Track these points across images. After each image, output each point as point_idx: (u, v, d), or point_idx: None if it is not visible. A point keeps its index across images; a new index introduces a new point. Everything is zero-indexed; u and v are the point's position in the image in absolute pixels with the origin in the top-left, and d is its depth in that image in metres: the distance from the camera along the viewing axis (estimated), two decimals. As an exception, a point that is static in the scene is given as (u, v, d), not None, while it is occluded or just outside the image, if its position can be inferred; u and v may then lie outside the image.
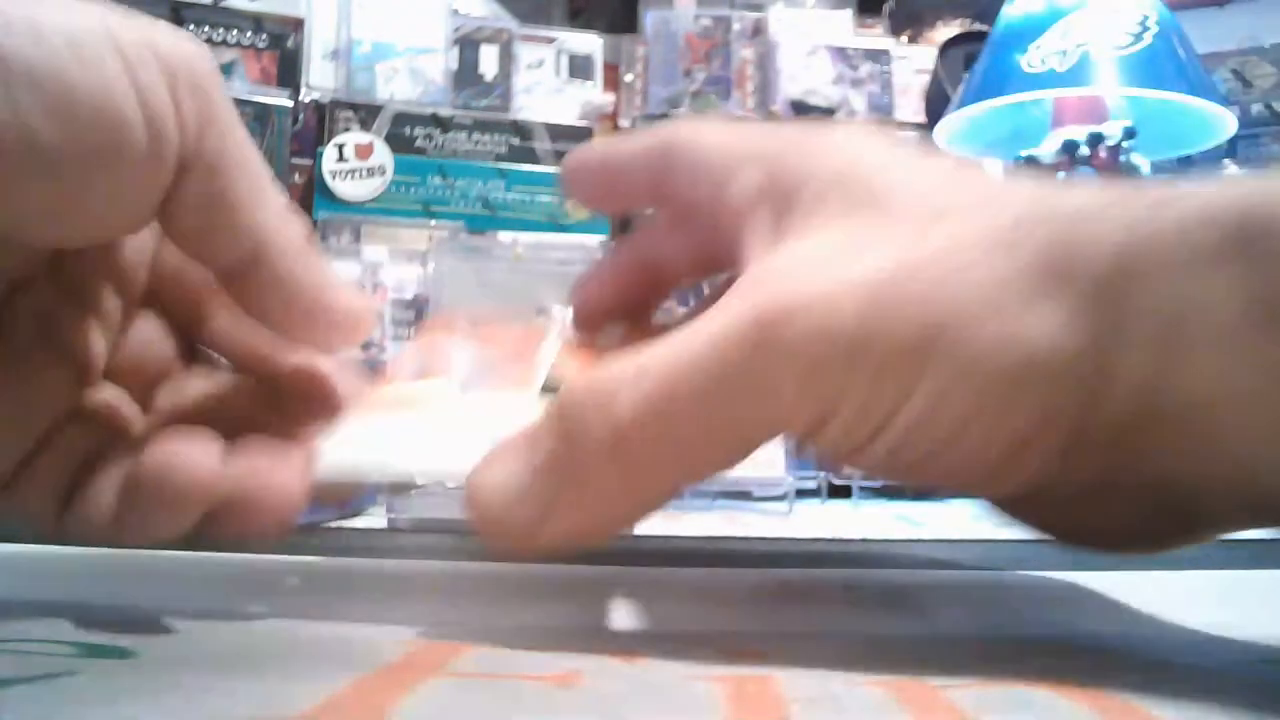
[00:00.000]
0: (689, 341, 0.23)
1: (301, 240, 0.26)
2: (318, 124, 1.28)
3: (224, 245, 0.25)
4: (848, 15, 1.52)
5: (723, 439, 0.23)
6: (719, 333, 0.22)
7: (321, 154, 1.24)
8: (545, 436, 0.24)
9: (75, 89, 0.21)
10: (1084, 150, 1.15)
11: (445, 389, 0.30)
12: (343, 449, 0.27)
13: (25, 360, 0.25)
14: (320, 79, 1.32)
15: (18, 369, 0.25)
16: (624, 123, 1.45)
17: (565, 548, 0.24)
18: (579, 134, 1.36)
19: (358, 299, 0.28)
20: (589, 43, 1.46)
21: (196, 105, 0.23)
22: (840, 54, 1.48)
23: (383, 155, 1.26)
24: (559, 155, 0.37)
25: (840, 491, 0.68)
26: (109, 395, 0.28)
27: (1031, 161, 1.19)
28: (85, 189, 0.22)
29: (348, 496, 0.29)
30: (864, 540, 0.47)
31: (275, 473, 0.26)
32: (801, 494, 0.65)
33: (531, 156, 1.33)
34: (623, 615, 0.31)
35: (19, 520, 0.26)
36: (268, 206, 0.25)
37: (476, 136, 1.31)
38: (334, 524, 0.38)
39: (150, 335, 0.29)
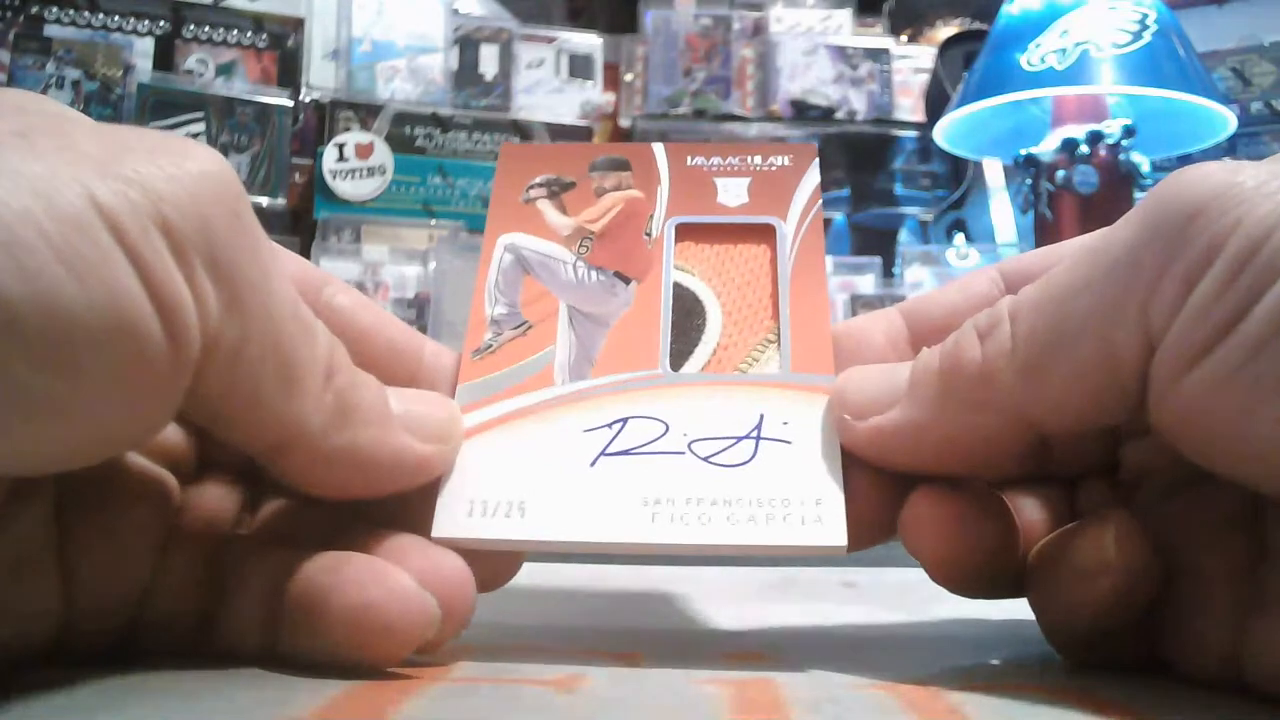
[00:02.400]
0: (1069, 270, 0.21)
1: (346, 397, 0.21)
2: (318, 124, 1.29)
3: (245, 436, 0.21)
4: (847, 15, 1.52)
5: (1092, 361, 0.20)
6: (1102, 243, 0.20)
7: (322, 154, 1.24)
8: (924, 355, 0.23)
9: (76, 324, 0.16)
10: (1084, 149, 1.15)
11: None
12: (479, 522, 0.24)
13: (110, 503, 0.22)
14: (320, 79, 1.32)
15: (103, 511, 0.22)
16: (624, 122, 1.45)
17: (903, 458, 0.23)
18: (579, 133, 1.36)
19: (420, 445, 0.23)
20: (589, 42, 1.46)
21: (216, 283, 0.19)
22: (840, 53, 1.48)
23: (383, 155, 1.26)
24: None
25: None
26: (208, 495, 0.25)
27: (1031, 160, 1.19)
28: (92, 423, 0.18)
29: (506, 572, 0.25)
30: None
31: (457, 583, 0.22)
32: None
33: (531, 156, 1.32)
34: (624, 616, 0.31)
35: (161, 642, 0.22)
36: (302, 389, 0.20)
37: (477, 136, 1.31)
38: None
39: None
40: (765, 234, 0.29)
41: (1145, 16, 1.12)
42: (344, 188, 1.25)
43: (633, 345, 0.27)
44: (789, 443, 0.24)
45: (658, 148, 0.31)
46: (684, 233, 0.30)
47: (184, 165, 0.19)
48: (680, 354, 0.27)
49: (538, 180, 0.31)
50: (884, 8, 1.57)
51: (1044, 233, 1.20)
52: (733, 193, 0.30)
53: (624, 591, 0.35)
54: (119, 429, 0.18)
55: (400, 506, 0.23)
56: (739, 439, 0.25)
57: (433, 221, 1.26)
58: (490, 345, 0.27)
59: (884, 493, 0.23)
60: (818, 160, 0.31)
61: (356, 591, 0.20)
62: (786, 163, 0.31)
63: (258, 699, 0.19)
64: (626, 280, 0.28)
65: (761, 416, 0.25)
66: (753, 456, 0.24)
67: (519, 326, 0.28)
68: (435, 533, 0.23)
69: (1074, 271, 0.21)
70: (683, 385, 0.26)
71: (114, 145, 0.18)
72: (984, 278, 0.27)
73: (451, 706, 0.19)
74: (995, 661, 0.25)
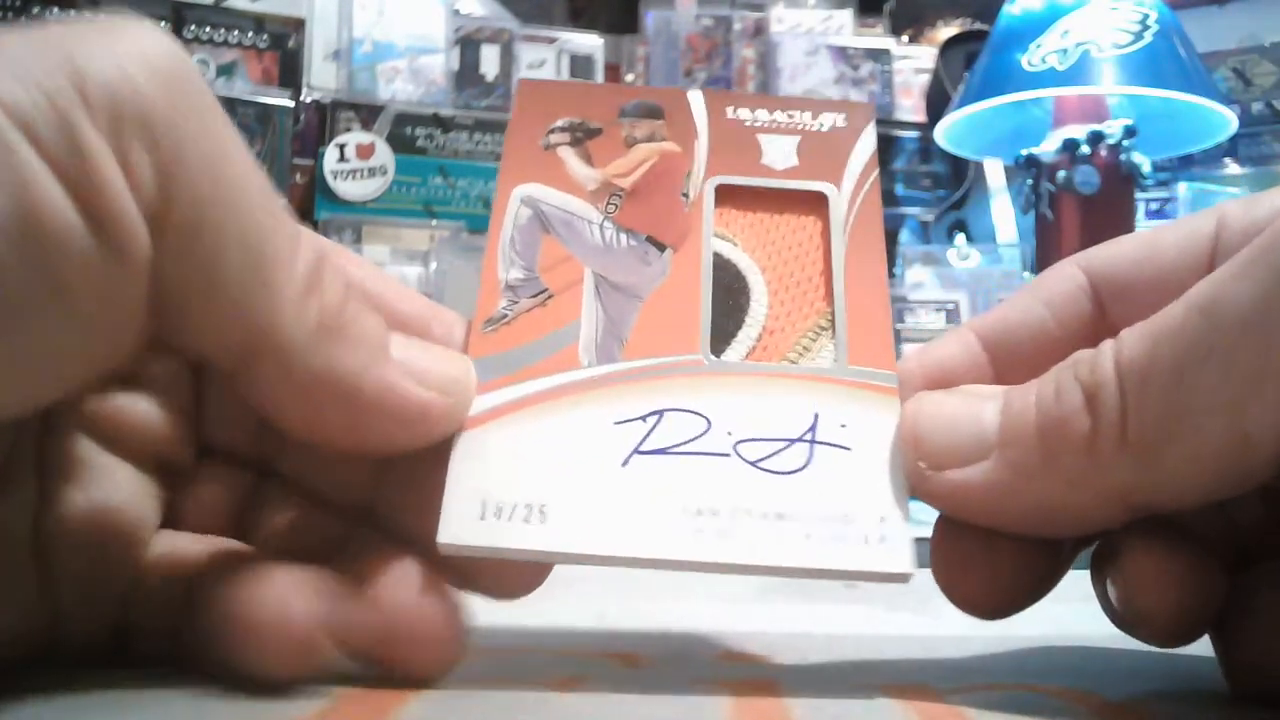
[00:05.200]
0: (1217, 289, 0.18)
1: (333, 316, 0.19)
2: (319, 124, 1.29)
3: (211, 335, 0.19)
4: (848, 15, 1.52)
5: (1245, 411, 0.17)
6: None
7: (323, 154, 1.24)
8: (1018, 403, 0.20)
9: None
10: (1085, 149, 1.15)
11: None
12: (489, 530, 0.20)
13: (92, 507, 0.20)
14: (321, 79, 1.32)
15: (84, 515, 0.20)
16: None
17: (999, 518, 0.20)
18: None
19: (418, 388, 0.20)
20: (590, 43, 1.46)
21: (152, 152, 0.17)
22: (841, 53, 1.48)
23: (384, 155, 1.26)
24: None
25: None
26: (201, 500, 0.23)
27: (1032, 160, 1.19)
28: (38, 340, 0.16)
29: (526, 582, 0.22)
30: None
31: (423, 605, 0.20)
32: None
33: (532, 156, 1.32)
34: (624, 616, 0.31)
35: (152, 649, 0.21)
36: (276, 287, 0.18)
37: (478, 136, 1.31)
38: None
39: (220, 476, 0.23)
40: (815, 203, 0.26)
41: (1146, 17, 1.12)
42: (345, 188, 1.25)
43: (668, 324, 0.24)
44: (848, 449, 0.22)
45: (695, 95, 0.27)
46: (724, 196, 0.26)
47: (113, 34, 0.17)
48: (721, 337, 0.24)
49: (560, 124, 0.26)
50: (885, 8, 1.57)
51: (1045, 233, 1.20)
52: (779, 153, 0.27)
53: (624, 591, 0.35)
54: (76, 343, 0.17)
55: (412, 509, 0.22)
56: (791, 441, 0.22)
57: (434, 222, 1.26)
58: (505, 315, 0.24)
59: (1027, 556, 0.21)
60: (875, 121, 0.27)
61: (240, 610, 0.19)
62: (840, 122, 0.27)
63: (259, 701, 0.19)
64: (661, 247, 0.25)
65: (816, 416, 0.22)
66: (807, 463, 0.22)
67: (538, 295, 0.24)
68: (441, 538, 0.20)
69: (1189, 332, 0.18)
70: (726, 375, 0.23)
71: (36, 31, 0.17)
72: (1068, 283, 0.24)
73: (452, 708, 0.19)
74: (1001, 662, 0.25)
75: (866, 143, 0.27)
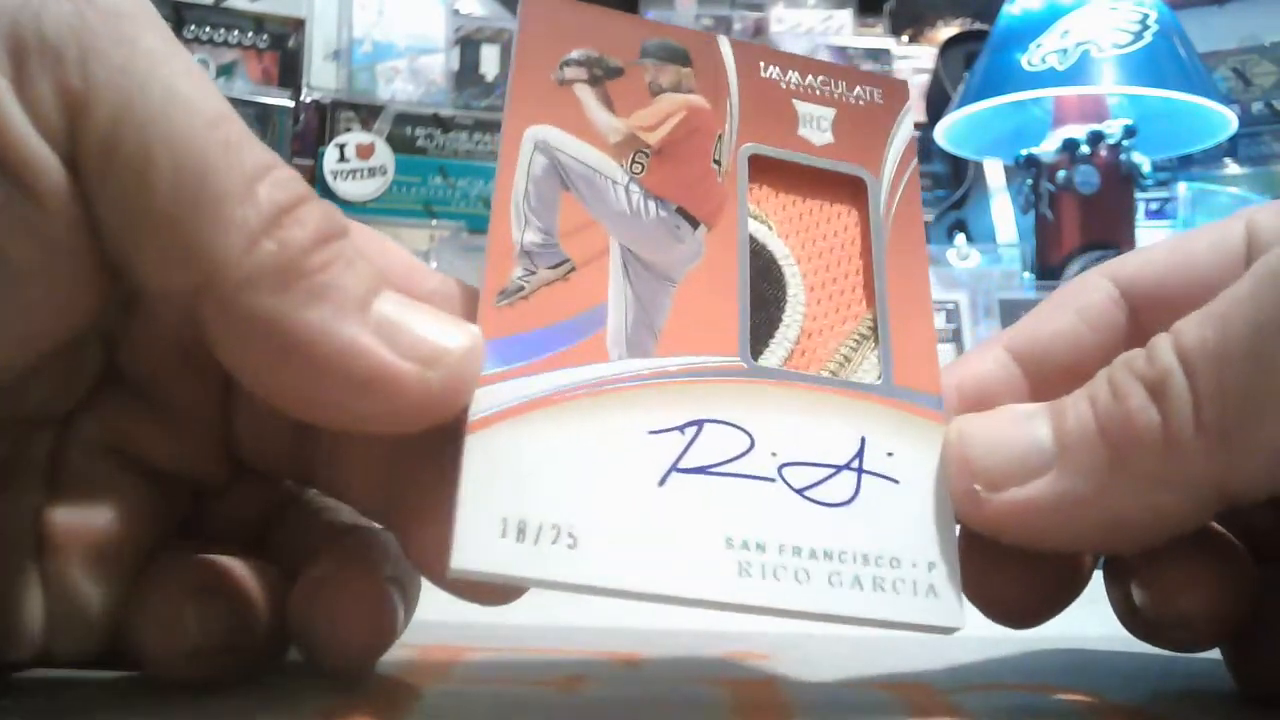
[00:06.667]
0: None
1: (295, 257, 0.17)
2: (319, 124, 1.29)
3: (146, 268, 0.17)
4: (848, 15, 1.52)
5: None
6: None
7: (323, 154, 1.24)
8: (1071, 409, 0.19)
9: None
10: (1084, 149, 1.15)
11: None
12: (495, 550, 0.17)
13: (94, 515, 0.20)
14: (321, 79, 1.32)
15: (85, 525, 0.20)
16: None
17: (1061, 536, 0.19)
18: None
19: (390, 355, 0.17)
20: (589, 42, 1.46)
21: (56, 81, 0.16)
22: (841, 53, 1.48)
23: (384, 155, 1.26)
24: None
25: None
26: (215, 517, 0.22)
27: (1032, 160, 1.19)
28: None
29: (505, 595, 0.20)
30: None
31: (344, 610, 0.19)
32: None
33: (532, 156, 1.32)
34: (624, 616, 0.31)
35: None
36: (222, 217, 0.17)
37: (477, 136, 1.31)
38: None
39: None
40: (852, 189, 0.23)
41: (1146, 17, 1.12)
42: (345, 188, 1.25)
43: (704, 317, 0.21)
44: (896, 481, 0.20)
45: (724, 43, 0.24)
46: (755, 169, 0.23)
47: None
48: (757, 335, 0.21)
49: (575, 56, 0.23)
50: (885, 8, 1.57)
51: (1045, 233, 1.20)
52: (817, 125, 0.24)
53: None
54: (14, 294, 0.16)
55: (420, 516, 0.19)
56: (838, 469, 0.20)
57: (434, 222, 1.26)
58: (521, 288, 0.20)
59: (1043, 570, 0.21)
60: (911, 104, 0.25)
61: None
62: (877, 99, 0.25)
63: (260, 702, 0.19)
64: (694, 223, 0.22)
65: (863, 441, 0.20)
66: (855, 495, 0.20)
67: (558, 265, 0.20)
68: (455, 563, 0.17)
69: (1264, 300, 0.17)
70: (766, 383, 0.20)
71: None
72: (1098, 294, 0.23)
73: (453, 708, 0.19)
74: (1001, 663, 0.25)
75: (905, 126, 0.24)
